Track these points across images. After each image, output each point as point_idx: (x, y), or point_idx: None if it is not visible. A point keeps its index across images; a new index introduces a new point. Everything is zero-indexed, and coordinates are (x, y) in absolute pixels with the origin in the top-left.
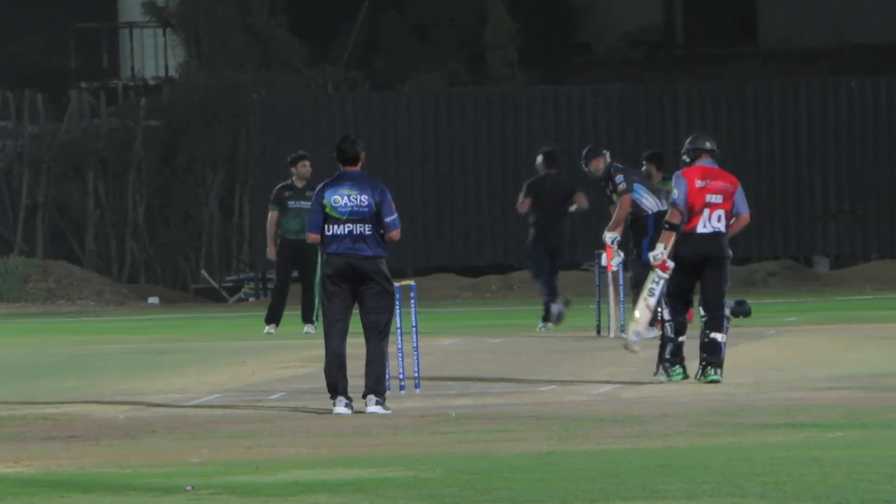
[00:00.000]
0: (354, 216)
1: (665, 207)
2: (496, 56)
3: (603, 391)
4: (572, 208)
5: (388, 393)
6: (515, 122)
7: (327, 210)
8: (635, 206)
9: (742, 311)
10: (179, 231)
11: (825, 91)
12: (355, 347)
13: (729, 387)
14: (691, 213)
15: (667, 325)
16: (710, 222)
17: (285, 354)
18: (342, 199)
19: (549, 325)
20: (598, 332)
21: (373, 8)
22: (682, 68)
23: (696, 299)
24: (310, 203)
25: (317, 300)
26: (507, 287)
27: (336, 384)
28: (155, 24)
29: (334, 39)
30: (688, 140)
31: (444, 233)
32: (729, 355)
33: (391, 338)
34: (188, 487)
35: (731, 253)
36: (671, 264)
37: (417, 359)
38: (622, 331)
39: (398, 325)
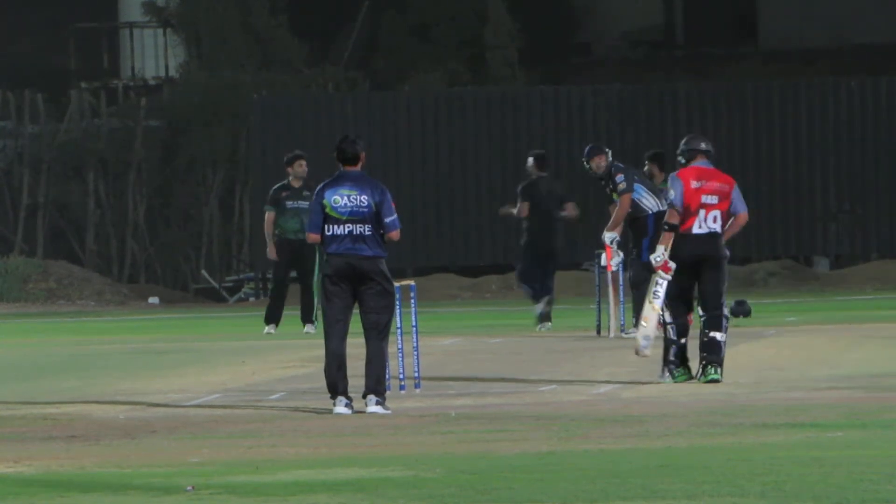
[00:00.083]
0: (354, 216)
1: (665, 208)
2: (496, 56)
3: (603, 391)
4: (562, 214)
5: (388, 393)
6: (515, 122)
7: (327, 210)
8: (635, 205)
9: (742, 311)
10: (180, 231)
11: (825, 91)
12: (355, 347)
13: (729, 387)
14: (687, 213)
15: (668, 327)
16: (705, 223)
17: (285, 354)
18: (342, 199)
19: (548, 324)
20: (598, 332)
21: (373, 8)
22: (682, 68)
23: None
24: (307, 202)
25: (316, 300)
26: (507, 287)
27: (336, 384)
28: (155, 24)
29: (334, 39)
30: (683, 141)
31: (444, 233)
32: (729, 355)
33: (391, 338)
34: (188, 487)
35: (727, 253)
36: (673, 265)
37: (417, 359)
38: (622, 331)
39: (398, 325)
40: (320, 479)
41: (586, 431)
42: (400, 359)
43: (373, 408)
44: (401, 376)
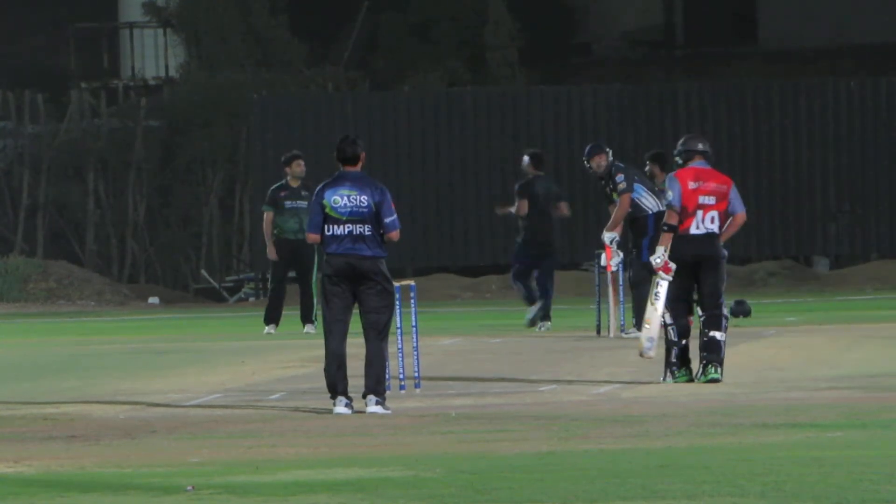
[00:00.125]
0: (354, 216)
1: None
2: (496, 56)
3: (603, 391)
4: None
5: (388, 393)
6: (515, 122)
7: (327, 210)
8: (635, 205)
9: (742, 311)
10: (179, 231)
11: (825, 91)
12: (355, 347)
13: (729, 387)
14: (684, 214)
15: (669, 328)
16: (703, 224)
17: (285, 354)
18: (342, 199)
19: (548, 323)
20: (598, 332)
21: (373, 8)
22: (682, 68)
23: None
24: (306, 202)
25: (315, 299)
26: (507, 287)
27: (336, 384)
28: (155, 25)
29: (334, 39)
30: (680, 142)
31: (444, 233)
32: (729, 355)
33: (391, 338)
34: (188, 487)
35: (725, 253)
36: (673, 266)
37: (417, 359)
38: (622, 331)
39: (398, 325)
40: (320, 479)
41: (586, 431)
42: (400, 359)
43: (373, 408)
44: (401, 376)
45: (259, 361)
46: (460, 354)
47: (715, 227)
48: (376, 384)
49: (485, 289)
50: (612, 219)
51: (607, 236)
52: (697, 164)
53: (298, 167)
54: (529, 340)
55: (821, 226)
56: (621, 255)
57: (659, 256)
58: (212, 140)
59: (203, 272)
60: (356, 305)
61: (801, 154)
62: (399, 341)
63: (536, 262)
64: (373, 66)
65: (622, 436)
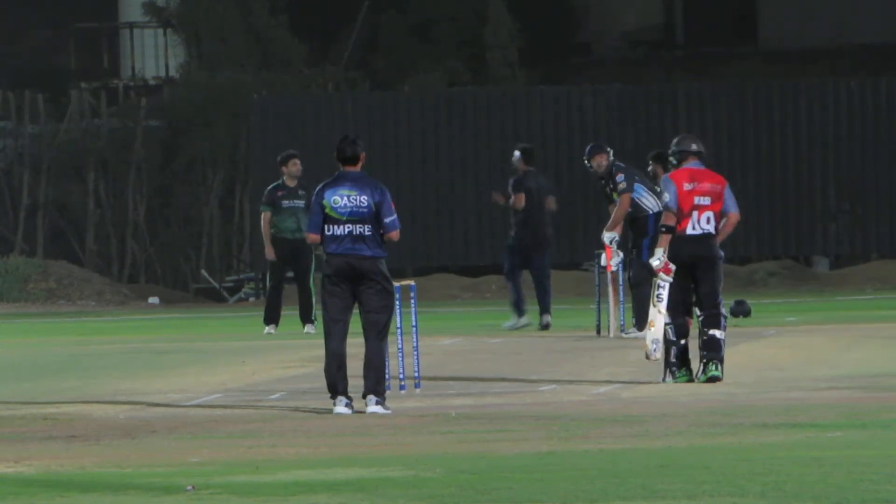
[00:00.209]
0: (354, 217)
1: None
2: (496, 56)
3: (603, 391)
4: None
5: (388, 393)
6: (515, 122)
7: (327, 210)
8: (635, 205)
9: (742, 311)
10: (180, 231)
11: (825, 91)
12: (355, 347)
13: (729, 387)
14: (680, 215)
15: (668, 328)
16: (699, 224)
17: (285, 354)
18: (342, 199)
19: (548, 317)
20: (598, 332)
21: (373, 8)
22: (682, 68)
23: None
24: (303, 202)
25: (314, 299)
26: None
27: (336, 384)
28: (155, 24)
29: (334, 39)
30: (674, 142)
31: (444, 233)
32: (729, 355)
33: (391, 338)
34: (188, 487)
35: (722, 253)
36: (673, 266)
37: (417, 359)
38: (622, 331)
39: (398, 325)
40: (320, 479)
41: (586, 431)
42: (400, 359)
43: (373, 408)
44: (401, 376)
45: (259, 361)
46: (460, 354)
47: (711, 228)
48: (376, 384)
49: (485, 289)
50: (612, 219)
51: (607, 236)
52: (692, 164)
53: (295, 166)
54: (529, 340)
55: (821, 226)
56: (621, 255)
57: (658, 258)
58: (212, 140)
59: (203, 272)
60: (356, 305)
61: (801, 154)
62: (399, 341)
63: (528, 257)
64: (373, 66)
65: (622, 436)
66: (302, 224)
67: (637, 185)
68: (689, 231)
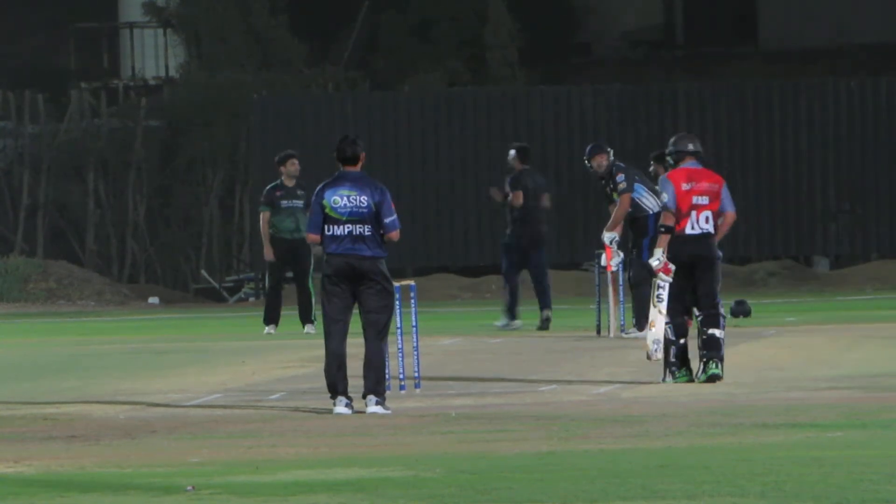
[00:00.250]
0: (354, 217)
1: None
2: (496, 56)
3: (603, 391)
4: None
5: (388, 393)
6: (515, 122)
7: (327, 210)
8: (635, 205)
9: (742, 311)
10: (180, 231)
11: (825, 91)
12: (355, 347)
13: (729, 387)
14: (679, 215)
15: (667, 327)
16: (697, 224)
17: (285, 354)
18: (342, 199)
19: (548, 311)
20: (598, 332)
21: (373, 8)
22: (682, 68)
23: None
24: (301, 201)
25: (313, 299)
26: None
27: (336, 384)
28: (155, 25)
29: (334, 39)
30: (671, 141)
31: (444, 233)
32: (729, 355)
33: (391, 338)
34: (188, 487)
35: (720, 253)
36: (673, 267)
37: (417, 359)
38: (622, 331)
39: (398, 325)
40: (320, 479)
41: (586, 431)
42: (400, 359)
43: (373, 408)
44: (401, 376)
45: (259, 361)
46: (460, 354)
47: (710, 227)
48: (376, 384)
49: (485, 289)
50: (612, 219)
51: (607, 236)
52: (689, 164)
53: (293, 166)
54: (529, 340)
55: (821, 226)
56: (621, 255)
57: (657, 258)
58: (212, 140)
59: (203, 272)
60: (356, 305)
61: (801, 154)
62: (399, 341)
63: (526, 256)
64: (373, 66)
65: (622, 436)
66: (300, 224)
67: (637, 185)
68: (688, 231)
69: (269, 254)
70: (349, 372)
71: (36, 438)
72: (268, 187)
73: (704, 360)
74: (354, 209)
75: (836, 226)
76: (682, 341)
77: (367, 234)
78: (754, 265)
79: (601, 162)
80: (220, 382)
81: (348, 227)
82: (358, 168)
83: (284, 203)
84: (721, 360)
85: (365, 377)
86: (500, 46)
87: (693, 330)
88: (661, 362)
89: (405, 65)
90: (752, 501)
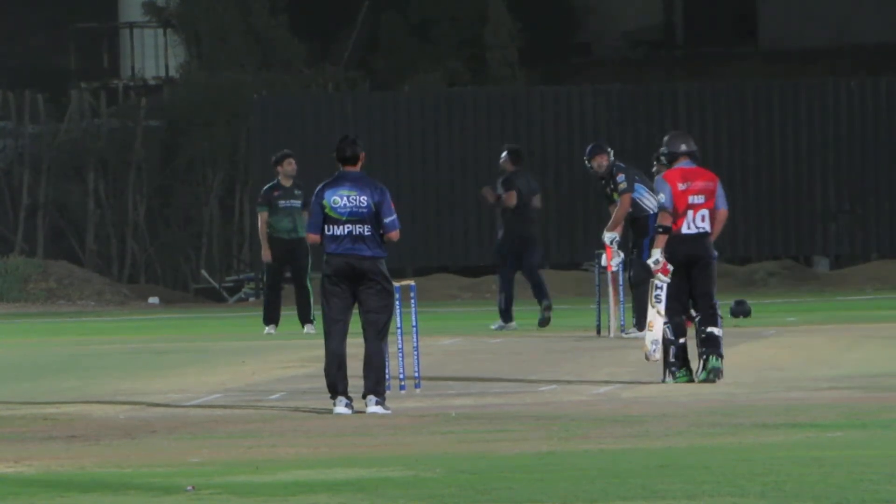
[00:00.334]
0: (354, 217)
1: None
2: (496, 56)
3: (603, 391)
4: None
5: (388, 393)
6: (515, 122)
7: (327, 210)
8: (636, 205)
9: (742, 311)
10: (180, 231)
11: (825, 91)
12: (355, 347)
13: (729, 387)
14: (675, 215)
15: (665, 327)
16: (694, 223)
17: (285, 354)
18: (342, 199)
19: (546, 302)
20: (598, 332)
21: (373, 8)
22: (682, 68)
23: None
24: (299, 201)
25: (312, 298)
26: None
27: (336, 384)
28: (155, 25)
29: (334, 39)
30: (665, 140)
31: (444, 233)
32: (729, 355)
33: (391, 338)
34: (188, 487)
35: (716, 253)
36: (671, 267)
37: (417, 359)
38: (622, 331)
39: (398, 325)
40: (320, 479)
41: (586, 431)
42: (400, 359)
43: (373, 408)
44: (401, 376)
45: (259, 361)
46: (460, 354)
47: (706, 226)
48: (376, 384)
49: (485, 289)
50: (612, 219)
51: (608, 236)
52: (683, 164)
53: (290, 166)
54: (529, 340)
55: (821, 226)
56: (622, 255)
57: (656, 259)
58: (212, 140)
59: (203, 272)
60: (356, 305)
61: (801, 154)
62: (399, 341)
63: (519, 257)
64: (373, 66)
65: (622, 436)
66: (298, 224)
67: (637, 185)
68: (685, 230)
69: (266, 255)
70: (349, 372)
71: (36, 438)
72: (265, 187)
73: (704, 357)
74: (354, 209)
75: (836, 226)
76: (681, 341)
77: (366, 234)
78: (754, 265)
79: (601, 162)
80: (220, 382)
81: (348, 227)
82: (358, 168)
83: (282, 203)
84: (721, 356)
85: (365, 377)
86: (500, 46)
87: (692, 330)
88: (661, 362)
89: (405, 65)
90: (752, 501)
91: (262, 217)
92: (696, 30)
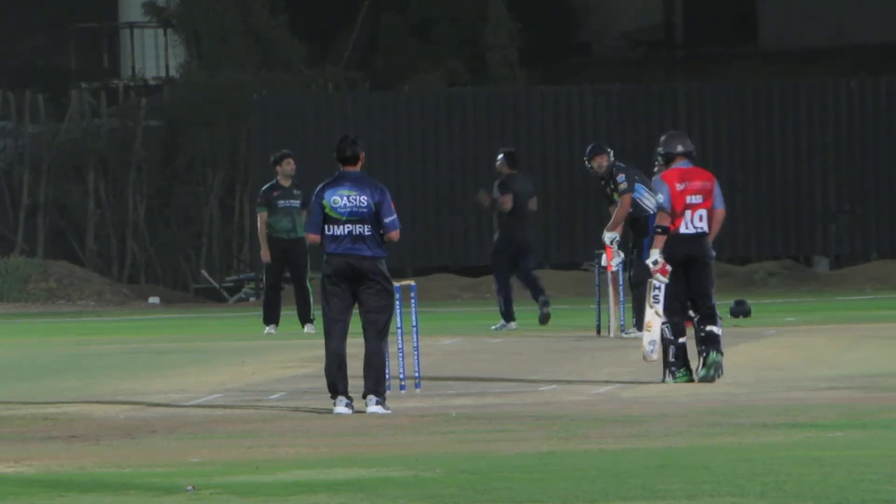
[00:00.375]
0: (354, 217)
1: None
2: (496, 56)
3: (603, 391)
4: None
5: (388, 393)
6: (515, 122)
7: (327, 210)
8: (636, 205)
9: (742, 311)
10: (180, 231)
11: (825, 91)
12: (355, 347)
13: (729, 387)
14: (673, 215)
15: (664, 327)
16: (692, 223)
17: (285, 354)
18: (342, 199)
19: (543, 298)
20: (598, 332)
21: (373, 8)
22: (682, 68)
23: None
24: (298, 201)
25: (311, 298)
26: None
27: (336, 384)
28: (155, 25)
29: (334, 39)
30: (661, 140)
31: (444, 233)
32: (729, 355)
33: (391, 338)
34: (188, 487)
35: (714, 254)
36: (669, 268)
37: (417, 359)
38: (622, 331)
39: (398, 325)
40: (320, 479)
41: (586, 431)
42: (400, 359)
43: (373, 408)
44: (401, 376)
45: (259, 361)
46: (460, 354)
47: (704, 226)
48: (376, 384)
49: (485, 289)
50: (613, 219)
51: (608, 236)
52: (680, 164)
53: (289, 165)
54: (529, 340)
55: (821, 226)
56: (622, 255)
57: (654, 259)
58: (212, 140)
59: (203, 272)
60: (356, 305)
61: (801, 154)
62: (399, 341)
63: (514, 261)
64: (373, 66)
65: (622, 436)
66: (297, 224)
67: (638, 186)
68: (683, 230)
69: (266, 255)
70: (349, 372)
71: (36, 438)
72: (264, 188)
73: (704, 354)
74: (354, 209)
75: (836, 226)
76: (680, 341)
77: (367, 233)
78: (754, 265)
79: (601, 162)
80: (220, 382)
81: (348, 227)
82: (358, 168)
83: (281, 203)
84: (721, 353)
85: (365, 377)
86: (500, 46)
87: (691, 330)
88: (660, 362)
89: (405, 65)
90: (752, 501)
91: (261, 217)
92: (696, 30)
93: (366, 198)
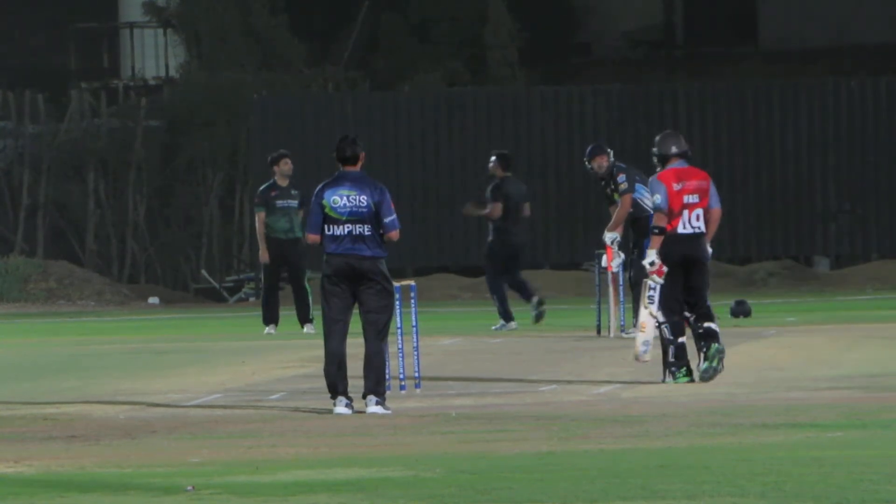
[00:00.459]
0: (354, 217)
1: None
2: (496, 56)
3: (603, 391)
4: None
5: (388, 393)
6: (515, 122)
7: (327, 210)
8: (636, 206)
9: (742, 311)
10: (180, 231)
11: (825, 91)
12: (355, 347)
13: (729, 387)
14: (671, 215)
15: (662, 327)
16: (689, 223)
17: (285, 354)
18: (341, 199)
19: (535, 298)
20: (598, 332)
21: (373, 8)
22: (682, 68)
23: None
24: (296, 201)
25: (310, 298)
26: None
27: (336, 384)
28: (155, 24)
29: (334, 39)
30: (656, 140)
31: (444, 233)
32: (729, 355)
33: (391, 338)
34: (188, 487)
35: (710, 254)
36: (666, 269)
37: (417, 359)
38: (622, 331)
39: (398, 325)
40: (320, 479)
41: (586, 431)
42: (400, 359)
43: (373, 408)
44: (401, 376)
45: (259, 361)
46: (460, 354)
47: (701, 225)
48: (376, 384)
49: (485, 289)
50: (613, 219)
51: (608, 237)
52: (677, 164)
53: (286, 165)
54: (529, 340)
55: (821, 226)
56: (622, 255)
57: (651, 260)
58: (212, 140)
59: (203, 272)
60: (356, 305)
61: (801, 154)
62: (399, 341)
63: (508, 266)
64: (373, 66)
65: (622, 436)
66: (295, 224)
67: (638, 186)
68: (681, 230)
69: (264, 255)
70: (349, 372)
71: (36, 438)
72: (261, 188)
73: (704, 348)
74: (354, 209)
75: (836, 226)
76: (680, 340)
77: (366, 233)
78: (754, 265)
79: (601, 163)
80: (220, 382)
81: (348, 227)
82: (358, 168)
83: (280, 203)
84: (721, 347)
85: (365, 377)
86: (500, 46)
87: (689, 330)
88: (654, 362)
89: (405, 65)
90: (752, 501)
91: (259, 217)
92: (696, 30)
93: (366, 198)
